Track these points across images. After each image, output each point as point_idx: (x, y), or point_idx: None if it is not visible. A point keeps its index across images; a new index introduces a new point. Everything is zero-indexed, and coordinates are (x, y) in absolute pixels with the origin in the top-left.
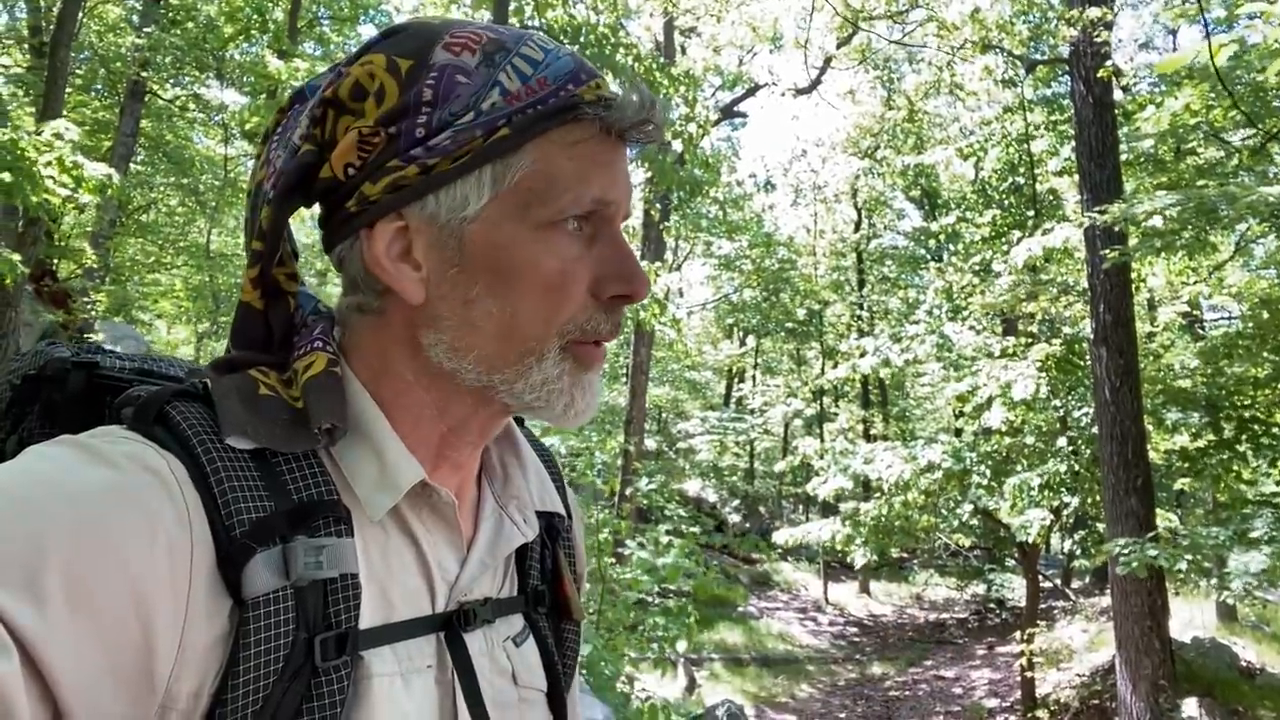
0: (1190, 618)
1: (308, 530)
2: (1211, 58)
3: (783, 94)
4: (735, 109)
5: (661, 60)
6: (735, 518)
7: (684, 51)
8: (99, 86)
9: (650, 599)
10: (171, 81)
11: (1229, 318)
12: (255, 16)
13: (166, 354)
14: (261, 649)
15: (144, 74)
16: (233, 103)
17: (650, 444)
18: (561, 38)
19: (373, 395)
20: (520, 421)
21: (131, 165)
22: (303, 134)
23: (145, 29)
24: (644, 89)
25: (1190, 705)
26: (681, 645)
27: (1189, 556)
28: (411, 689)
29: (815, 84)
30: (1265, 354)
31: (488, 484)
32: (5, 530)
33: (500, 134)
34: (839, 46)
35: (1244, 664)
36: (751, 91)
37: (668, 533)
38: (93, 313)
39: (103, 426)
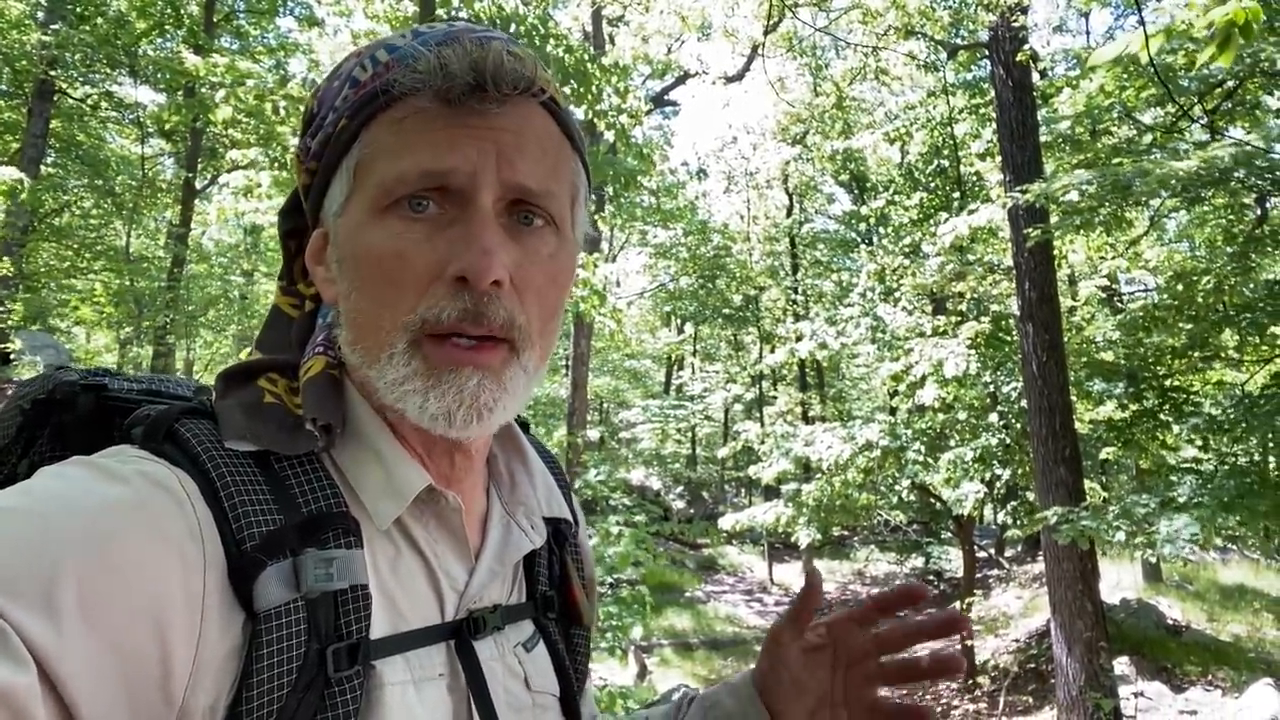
0: (1118, 580)
1: (317, 543)
2: (1146, 45)
3: (713, 82)
4: (666, 97)
5: (591, 50)
6: (679, 504)
7: (612, 41)
8: (3, 87)
9: (601, 589)
10: (82, 80)
11: (1145, 290)
12: (169, 11)
13: (174, 375)
14: (275, 661)
15: (52, 72)
16: (149, 101)
17: (593, 434)
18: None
19: (366, 399)
20: (526, 428)
21: (42, 168)
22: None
23: (52, 26)
24: (472, 42)
25: (1122, 663)
26: (637, 632)
27: (1122, 524)
28: (424, 697)
29: (744, 72)
30: (1181, 324)
31: (495, 491)
32: (20, 548)
33: (341, 126)
34: (766, 34)
35: (1170, 622)
36: (681, 80)
37: (618, 523)
38: (8, 322)
39: (114, 446)
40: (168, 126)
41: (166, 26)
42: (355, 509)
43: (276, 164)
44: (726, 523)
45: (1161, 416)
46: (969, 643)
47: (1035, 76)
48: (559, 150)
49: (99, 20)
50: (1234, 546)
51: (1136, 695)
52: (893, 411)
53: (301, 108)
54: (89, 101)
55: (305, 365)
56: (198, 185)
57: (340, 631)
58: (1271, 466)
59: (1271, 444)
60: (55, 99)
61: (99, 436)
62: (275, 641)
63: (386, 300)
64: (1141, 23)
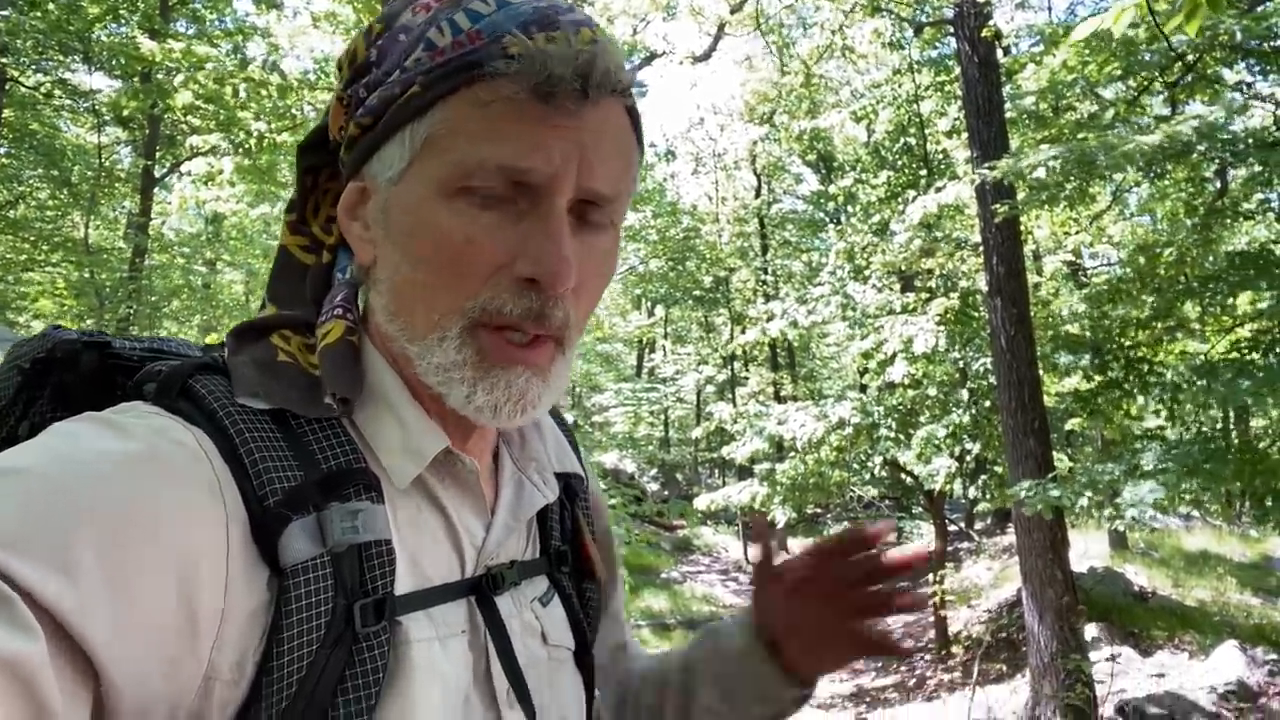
0: (1085, 549)
1: (340, 497)
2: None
3: (680, 63)
4: (594, 43)
5: None
6: (654, 487)
7: None
8: None
9: None
10: (34, 68)
11: (1109, 265)
12: None
13: (176, 336)
14: (303, 616)
15: (2, 60)
16: (105, 88)
17: (567, 418)
18: None
19: (390, 363)
20: None
21: None
22: (335, 95)
23: (1, 12)
24: (579, 39)
25: (1091, 630)
26: None
27: (1088, 494)
28: (449, 653)
29: (710, 51)
30: (1144, 296)
31: (505, 448)
32: (32, 507)
33: (412, 91)
34: (732, 12)
35: (1137, 589)
36: (648, 60)
37: None
38: None
39: (125, 403)
40: (125, 114)
41: (121, 11)
42: (374, 466)
43: (239, 150)
44: (702, 503)
45: (1126, 387)
46: (942, 614)
47: (999, 53)
48: (631, 151)
49: (50, 6)
50: (1197, 514)
51: (1112, 659)
52: (863, 389)
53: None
54: (42, 90)
55: (323, 328)
56: (157, 174)
57: (366, 587)
58: (1233, 432)
59: (1232, 408)
60: (7, 88)
61: (102, 397)
62: (303, 597)
63: (447, 283)
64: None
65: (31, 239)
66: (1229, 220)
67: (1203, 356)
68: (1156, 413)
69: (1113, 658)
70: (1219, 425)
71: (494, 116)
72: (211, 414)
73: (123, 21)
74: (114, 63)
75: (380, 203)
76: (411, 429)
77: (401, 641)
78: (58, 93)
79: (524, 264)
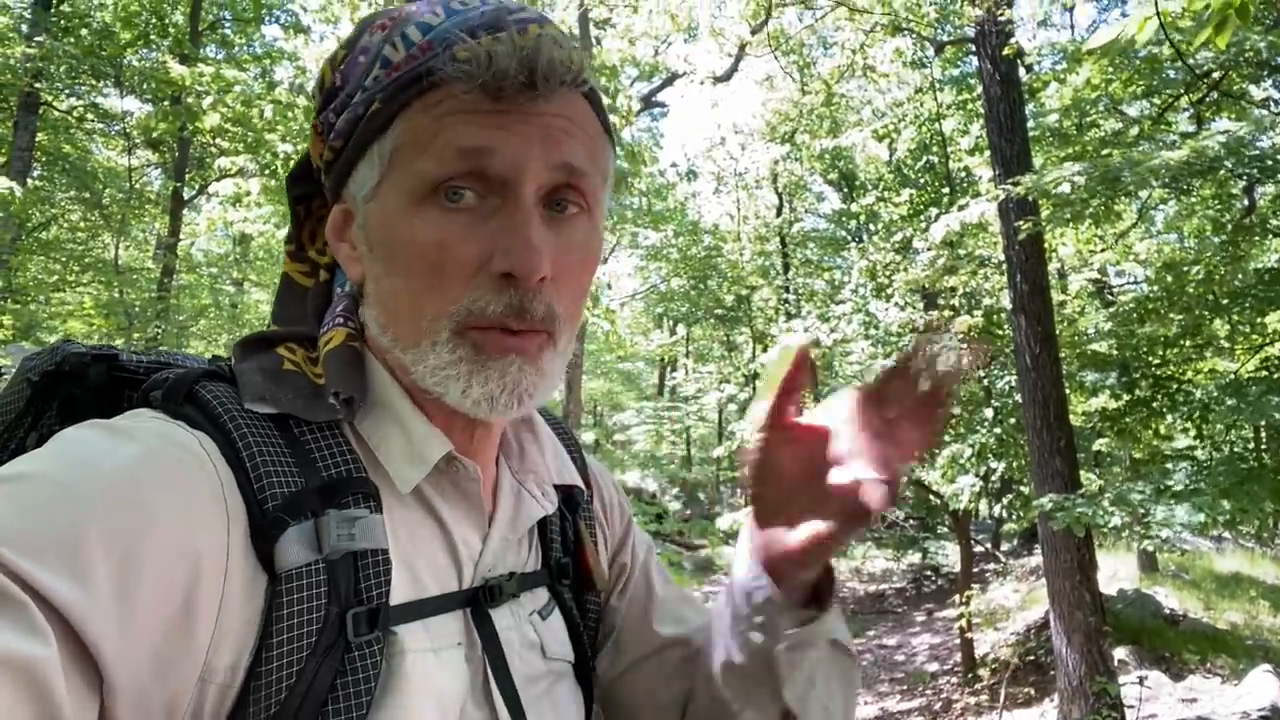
0: (1114, 571)
1: (338, 505)
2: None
3: (700, 83)
4: (654, 99)
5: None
6: (675, 505)
7: (599, 43)
8: None
9: None
10: (67, 92)
11: (1135, 282)
12: (154, 21)
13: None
14: (294, 623)
15: (37, 85)
16: (136, 110)
17: (588, 437)
18: None
19: (390, 372)
20: None
21: (29, 180)
22: (313, 124)
23: (36, 38)
24: (525, 36)
25: (1120, 653)
26: None
27: (1117, 510)
28: (444, 665)
29: (731, 72)
30: (1172, 314)
31: (504, 460)
32: (42, 511)
33: (374, 109)
34: (753, 33)
35: (1167, 612)
36: (669, 81)
37: None
38: None
39: (133, 410)
40: (155, 136)
41: (152, 37)
42: (374, 475)
43: (266, 171)
44: (725, 523)
45: (1154, 406)
46: (968, 636)
47: (1021, 71)
48: (597, 133)
49: (84, 32)
50: (1229, 535)
51: (1141, 681)
52: None
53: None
54: (74, 113)
55: (326, 335)
56: (186, 195)
57: (360, 596)
58: (1264, 451)
59: (1264, 427)
60: (41, 111)
61: (110, 409)
62: (295, 603)
63: (429, 291)
64: (1158, 13)
65: (63, 260)
66: (1257, 237)
67: (1232, 375)
68: (1185, 431)
69: (1141, 681)
70: (1250, 445)
71: (446, 117)
72: (215, 418)
73: (154, 47)
74: (145, 87)
75: (360, 221)
76: (415, 435)
77: (395, 652)
78: (90, 116)
79: (499, 259)
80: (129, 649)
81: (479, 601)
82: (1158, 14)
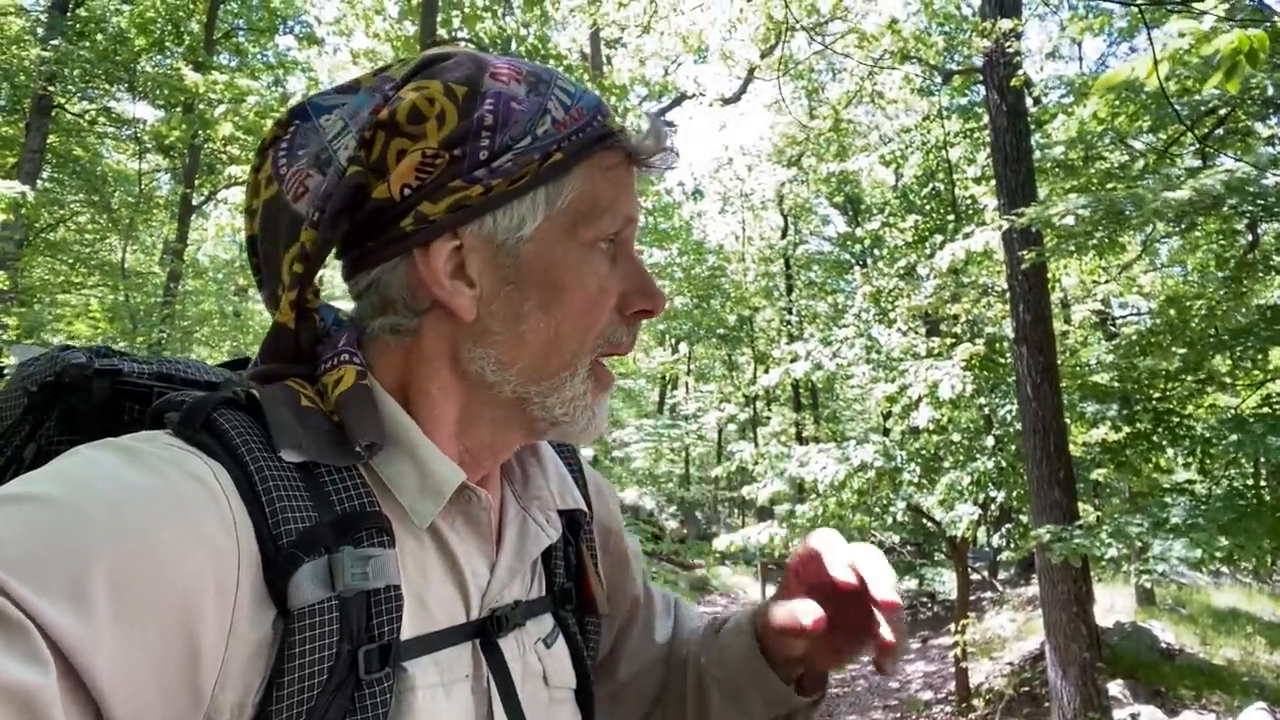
0: (1111, 603)
1: (353, 541)
2: (1155, 69)
3: (709, 104)
4: (663, 119)
5: (590, 71)
6: (673, 524)
7: (610, 63)
8: (1, 102)
9: None
10: (80, 95)
11: (1137, 314)
12: (169, 28)
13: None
14: (306, 660)
15: (50, 88)
16: (148, 116)
17: (587, 453)
18: (492, 49)
19: (402, 404)
20: None
21: (39, 182)
22: (350, 155)
23: (51, 42)
24: (661, 123)
25: (1115, 687)
26: None
27: (1114, 543)
28: (452, 700)
29: (740, 94)
30: (1175, 349)
31: (508, 485)
32: (49, 538)
33: (555, 158)
34: (762, 57)
35: (1164, 645)
36: (678, 101)
37: None
38: (3, 337)
39: (147, 431)
40: (167, 142)
41: (167, 44)
42: (386, 507)
43: None
44: (721, 543)
45: (1155, 439)
46: (962, 665)
47: (1029, 102)
48: None
49: (99, 37)
50: (1227, 570)
51: (1134, 718)
52: (886, 433)
53: (437, 108)
54: (87, 117)
55: (333, 375)
56: (195, 201)
57: (372, 632)
58: (1264, 488)
59: (1264, 464)
60: (53, 114)
61: (111, 422)
62: (307, 640)
63: (587, 326)
64: (1151, 44)
65: (70, 261)
66: (1260, 274)
67: (1233, 411)
68: (1186, 465)
69: (1134, 718)
70: (1249, 481)
71: (616, 180)
72: (233, 450)
73: (168, 53)
74: (158, 93)
75: (496, 257)
76: (429, 467)
77: (406, 689)
78: (102, 120)
79: (641, 300)
80: (128, 682)
81: (487, 632)
82: (1156, 65)
